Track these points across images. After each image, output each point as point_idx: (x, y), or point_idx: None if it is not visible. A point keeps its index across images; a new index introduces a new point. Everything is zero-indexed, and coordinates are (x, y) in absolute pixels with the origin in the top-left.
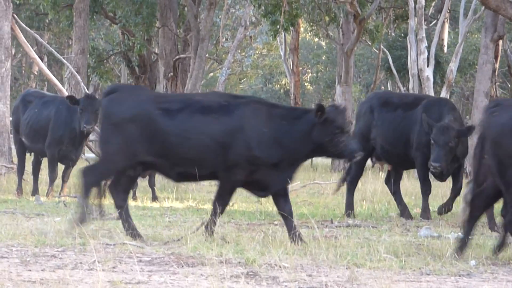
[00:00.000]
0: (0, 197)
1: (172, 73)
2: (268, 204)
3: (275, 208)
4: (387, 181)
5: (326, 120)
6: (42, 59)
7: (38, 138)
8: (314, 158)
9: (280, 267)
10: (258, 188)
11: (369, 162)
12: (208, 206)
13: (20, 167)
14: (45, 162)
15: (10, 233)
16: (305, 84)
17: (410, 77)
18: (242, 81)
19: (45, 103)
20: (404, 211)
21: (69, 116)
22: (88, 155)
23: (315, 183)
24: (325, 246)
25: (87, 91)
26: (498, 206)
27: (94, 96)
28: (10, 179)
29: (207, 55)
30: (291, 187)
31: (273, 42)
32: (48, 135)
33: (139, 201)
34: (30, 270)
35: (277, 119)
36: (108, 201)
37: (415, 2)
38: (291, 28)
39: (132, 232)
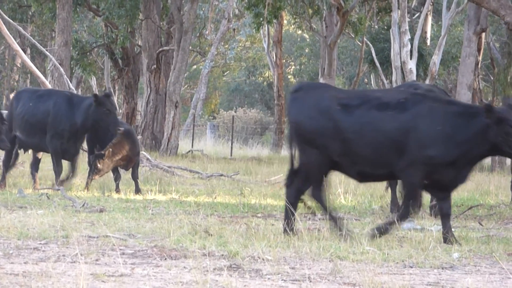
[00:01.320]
0: None
1: (155, 66)
2: (251, 196)
3: (257, 201)
4: None
5: (499, 120)
6: (25, 51)
7: (35, 132)
8: None
9: (263, 259)
10: (438, 189)
11: None
12: (191, 199)
13: (6, 161)
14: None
15: None
16: (289, 76)
17: (393, 70)
18: (226, 73)
19: (40, 97)
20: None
21: (69, 110)
22: None
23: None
24: (308, 238)
25: (71, 84)
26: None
27: (113, 94)
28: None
29: (190, 47)
30: (274, 179)
31: (257, 34)
32: (48, 129)
33: (122, 194)
34: (12, 263)
35: (452, 117)
36: (91, 194)
37: None
38: (275, 21)
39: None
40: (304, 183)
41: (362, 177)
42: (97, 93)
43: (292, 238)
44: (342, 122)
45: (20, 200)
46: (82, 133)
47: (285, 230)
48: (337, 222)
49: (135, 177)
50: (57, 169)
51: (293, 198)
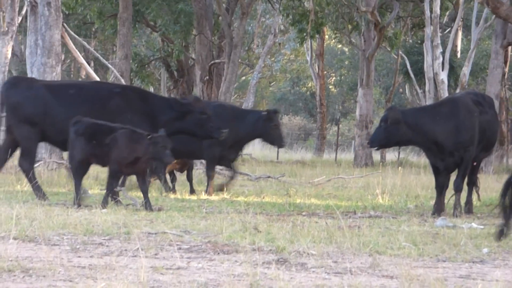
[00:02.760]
0: (52, 190)
1: (207, 77)
2: (296, 196)
3: (302, 201)
4: None
5: None
6: (89, 64)
7: (190, 140)
8: (338, 154)
9: (308, 254)
10: None
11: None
12: (241, 199)
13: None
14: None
15: (61, 223)
16: (330, 87)
17: (426, 81)
18: (272, 84)
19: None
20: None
21: (234, 122)
22: None
23: (339, 177)
24: (349, 235)
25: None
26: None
27: (280, 111)
28: (61, 173)
29: (239, 60)
30: (317, 181)
31: (300, 48)
32: None
33: (178, 194)
34: (79, 257)
35: None
36: (150, 194)
37: (431, 12)
38: (317, 36)
39: None
40: None
41: None
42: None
43: (334, 235)
44: None
45: (86, 199)
46: (245, 143)
47: None
48: None
49: (190, 178)
50: (211, 173)
51: None
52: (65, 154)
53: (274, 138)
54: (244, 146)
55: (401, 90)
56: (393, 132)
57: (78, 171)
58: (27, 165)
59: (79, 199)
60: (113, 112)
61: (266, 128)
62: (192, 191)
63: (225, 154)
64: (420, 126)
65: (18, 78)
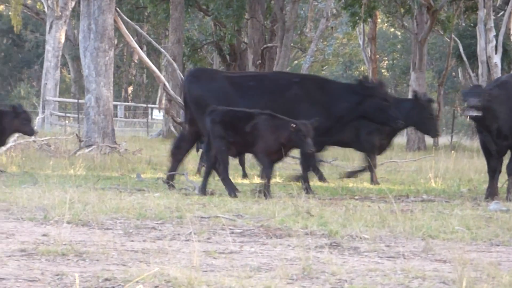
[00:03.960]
0: (105, 174)
1: (260, 61)
2: (349, 180)
3: (355, 185)
4: None
5: None
6: (141, 48)
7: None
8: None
9: (360, 238)
10: None
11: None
12: (294, 183)
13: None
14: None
15: (114, 207)
16: (382, 70)
17: (479, 64)
18: (324, 68)
19: None
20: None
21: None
22: None
23: (392, 161)
24: (402, 219)
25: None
26: None
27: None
28: (114, 158)
29: (292, 44)
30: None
31: (353, 32)
32: (364, 126)
33: (231, 178)
34: (132, 241)
35: None
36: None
37: None
38: (369, 19)
39: None
40: None
41: None
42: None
43: (387, 219)
44: None
45: (138, 183)
46: (399, 131)
47: None
48: None
49: (242, 163)
50: (374, 162)
51: None
52: (118, 139)
53: (429, 127)
54: (397, 135)
55: (453, 73)
56: None
57: (225, 159)
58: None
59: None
60: (292, 101)
61: (421, 117)
62: (244, 175)
63: (383, 143)
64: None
65: (200, 70)
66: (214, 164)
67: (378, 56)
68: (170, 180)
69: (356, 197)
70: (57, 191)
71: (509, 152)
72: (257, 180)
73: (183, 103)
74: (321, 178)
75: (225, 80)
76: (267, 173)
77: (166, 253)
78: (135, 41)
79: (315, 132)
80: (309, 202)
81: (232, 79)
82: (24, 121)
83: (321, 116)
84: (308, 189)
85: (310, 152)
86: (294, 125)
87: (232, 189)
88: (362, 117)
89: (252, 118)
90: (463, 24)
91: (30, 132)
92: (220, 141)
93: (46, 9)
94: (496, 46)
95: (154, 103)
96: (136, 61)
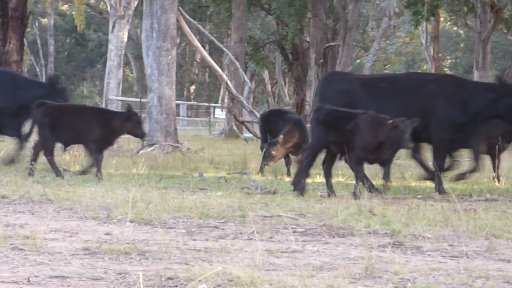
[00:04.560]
0: (167, 173)
1: (322, 60)
2: (411, 179)
3: (417, 184)
4: None
5: None
6: (204, 48)
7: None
8: None
9: (423, 237)
10: None
11: None
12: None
13: None
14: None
15: (176, 206)
16: (445, 69)
17: None
18: (387, 67)
19: None
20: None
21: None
22: (246, 135)
23: (454, 160)
24: (465, 218)
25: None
26: None
27: None
28: (176, 157)
29: (354, 43)
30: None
31: (415, 31)
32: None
33: (293, 177)
34: (195, 240)
35: None
36: (265, 178)
37: None
38: (432, 18)
39: None
40: None
41: None
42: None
43: (450, 218)
44: None
45: (201, 182)
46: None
47: None
48: None
49: (288, 162)
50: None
51: None
52: (180, 138)
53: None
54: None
55: None
56: None
57: (312, 158)
58: None
59: (330, 188)
60: (427, 99)
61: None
62: (288, 174)
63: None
64: None
65: (335, 73)
66: (311, 163)
67: (440, 55)
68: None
69: (419, 196)
70: (120, 190)
71: None
72: (319, 179)
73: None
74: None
75: (357, 82)
76: (358, 174)
77: (229, 252)
78: (198, 40)
79: (449, 129)
80: (371, 201)
81: (364, 81)
82: (136, 124)
83: (457, 112)
84: (441, 190)
85: (408, 149)
86: (391, 121)
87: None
88: (496, 117)
89: (354, 117)
90: None
91: (141, 134)
92: (317, 141)
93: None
94: None
95: (216, 102)
96: (198, 60)
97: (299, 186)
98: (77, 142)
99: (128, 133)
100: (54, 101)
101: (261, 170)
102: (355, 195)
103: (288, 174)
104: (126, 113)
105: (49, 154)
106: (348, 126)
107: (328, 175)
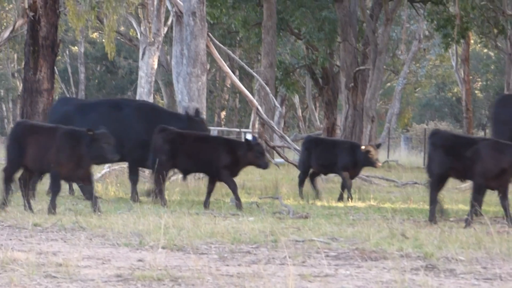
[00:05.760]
0: (199, 199)
1: (353, 84)
2: (443, 202)
3: (449, 206)
4: None
5: None
6: (234, 73)
7: None
8: None
9: (456, 260)
10: None
11: None
12: (388, 205)
13: None
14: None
15: (209, 232)
16: (476, 92)
17: None
18: (417, 90)
19: None
20: None
21: None
22: (278, 160)
23: None
24: (498, 240)
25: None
26: None
27: None
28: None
29: (384, 66)
30: (464, 186)
31: (445, 53)
32: None
33: (325, 201)
34: (227, 265)
35: None
36: (297, 202)
37: None
38: (462, 41)
39: None
40: None
41: None
42: None
43: (483, 240)
44: None
45: (232, 208)
46: None
47: None
48: None
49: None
50: None
51: None
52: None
53: None
54: None
55: None
56: None
57: (435, 184)
58: None
59: (436, 211)
60: None
61: None
62: (340, 198)
63: None
64: None
65: (509, 96)
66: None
67: (471, 77)
68: None
69: (451, 219)
70: (152, 217)
71: None
72: (351, 203)
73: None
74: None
75: None
76: (475, 199)
77: (261, 277)
78: (228, 65)
79: None
80: (403, 224)
81: None
82: (258, 154)
83: None
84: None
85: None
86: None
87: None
88: None
89: (474, 144)
90: None
91: (264, 165)
92: (437, 166)
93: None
94: None
95: (247, 127)
96: (228, 85)
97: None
98: (199, 171)
99: (250, 164)
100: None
101: (301, 193)
102: (466, 222)
103: (317, 197)
104: (247, 144)
105: (161, 182)
106: (468, 153)
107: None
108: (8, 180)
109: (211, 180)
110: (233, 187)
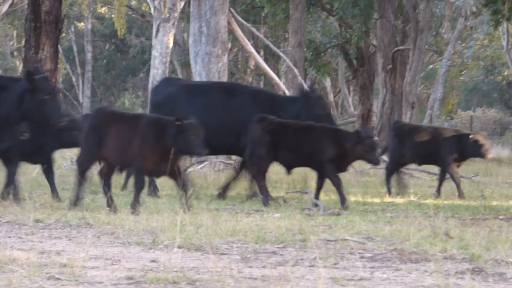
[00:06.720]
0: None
1: (390, 66)
2: (492, 198)
3: (499, 203)
4: None
5: None
6: (258, 53)
7: None
8: None
9: (507, 263)
10: None
11: None
12: (430, 201)
13: None
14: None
15: (230, 230)
16: None
17: None
18: (463, 72)
19: None
20: None
21: None
22: None
23: None
24: None
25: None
26: None
27: None
28: (228, 175)
29: (426, 46)
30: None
31: (495, 32)
32: None
33: (359, 197)
34: (251, 267)
35: None
36: (328, 197)
37: None
38: None
39: None
40: None
41: None
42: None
43: None
44: None
45: (257, 203)
46: None
47: None
48: None
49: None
50: None
51: None
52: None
53: None
54: None
55: None
56: None
57: None
58: None
59: None
60: None
61: None
62: (438, 192)
63: None
64: None
65: None
66: None
67: None
68: None
69: (501, 217)
70: (167, 213)
71: None
72: (388, 199)
73: None
74: None
75: None
76: None
77: (288, 280)
78: (251, 45)
79: None
80: (447, 222)
81: None
82: (368, 148)
83: None
84: None
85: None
86: None
87: None
88: None
89: None
90: None
91: (376, 161)
92: None
93: (152, 11)
94: None
95: None
96: (252, 67)
97: None
98: (302, 165)
99: (359, 158)
100: (311, 112)
101: (389, 191)
102: None
103: (402, 192)
104: (356, 136)
105: (262, 177)
106: None
107: None
108: (82, 173)
109: (319, 176)
110: (337, 184)
